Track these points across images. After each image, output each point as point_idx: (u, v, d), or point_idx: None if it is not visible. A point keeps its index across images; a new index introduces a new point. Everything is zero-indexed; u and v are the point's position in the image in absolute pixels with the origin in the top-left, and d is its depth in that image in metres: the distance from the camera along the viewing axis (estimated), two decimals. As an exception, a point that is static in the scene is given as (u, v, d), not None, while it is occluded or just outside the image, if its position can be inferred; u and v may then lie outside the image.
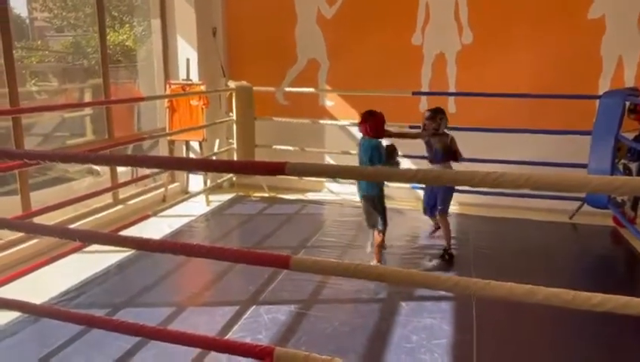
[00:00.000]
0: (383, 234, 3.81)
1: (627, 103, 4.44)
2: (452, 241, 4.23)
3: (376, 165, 3.56)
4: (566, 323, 3.06)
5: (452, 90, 5.49)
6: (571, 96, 4.85)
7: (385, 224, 3.80)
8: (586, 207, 4.83)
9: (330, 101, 5.92)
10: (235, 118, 5.54)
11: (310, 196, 5.87)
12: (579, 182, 1.27)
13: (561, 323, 3.05)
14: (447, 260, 4.02)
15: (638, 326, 2.92)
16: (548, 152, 4.88)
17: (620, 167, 4.60)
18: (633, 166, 4.53)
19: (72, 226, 4.29)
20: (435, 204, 4.15)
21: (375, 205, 3.74)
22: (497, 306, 3.17)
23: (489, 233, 4.71)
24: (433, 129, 4.03)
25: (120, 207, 5.03)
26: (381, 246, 3.82)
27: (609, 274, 4.03)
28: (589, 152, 4.63)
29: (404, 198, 5.73)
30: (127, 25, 6.54)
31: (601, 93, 4.81)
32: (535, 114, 5.10)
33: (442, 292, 3.34)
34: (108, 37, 5.28)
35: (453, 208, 5.39)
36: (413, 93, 5.40)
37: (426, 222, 4.80)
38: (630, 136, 4.51)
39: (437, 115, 4.02)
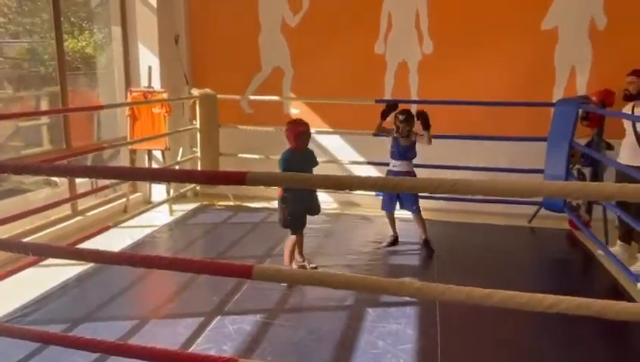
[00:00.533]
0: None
1: (580, 111, 4.63)
2: (413, 247, 4.35)
3: None
4: (526, 323, 3.15)
5: (414, 98, 5.59)
6: (527, 104, 5.02)
7: None
8: (544, 211, 4.99)
9: (295, 109, 5.93)
10: (198, 126, 5.47)
11: (275, 204, 5.83)
12: (532, 188, 1.31)
13: (521, 322, 3.14)
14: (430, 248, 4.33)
15: (592, 322, 3.03)
16: (507, 158, 5.04)
17: (575, 172, 4.78)
18: (586, 171, 4.71)
19: (28, 239, 4.13)
20: (398, 198, 4.38)
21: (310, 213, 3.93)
22: (460, 309, 3.21)
23: (450, 237, 4.80)
24: (407, 131, 4.25)
25: (79, 218, 4.88)
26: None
27: (566, 275, 4.17)
28: (545, 158, 4.80)
29: (369, 205, 5.78)
30: (86, 31, 6.37)
31: (555, 101, 5.01)
32: (494, 121, 5.25)
33: (407, 298, 3.39)
34: (66, 43, 5.14)
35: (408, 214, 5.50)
36: (377, 101, 5.46)
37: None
38: (583, 142, 4.70)
39: (411, 117, 4.25)
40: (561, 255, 4.49)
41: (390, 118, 4.41)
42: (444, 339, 2.95)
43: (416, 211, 4.39)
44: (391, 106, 4.41)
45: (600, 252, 4.19)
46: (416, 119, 4.23)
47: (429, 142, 4.26)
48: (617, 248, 4.18)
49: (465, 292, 1.42)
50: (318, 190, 5.03)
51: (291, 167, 3.71)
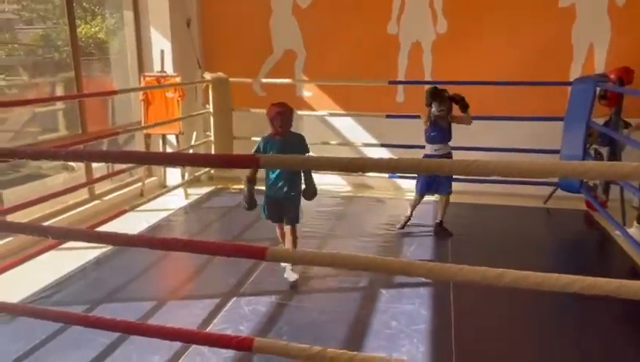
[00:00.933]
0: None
1: (598, 89, 4.54)
2: (427, 229, 4.43)
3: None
4: (541, 303, 3.14)
5: (428, 78, 5.53)
6: (544, 83, 4.93)
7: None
8: (560, 192, 4.94)
9: (308, 91, 5.91)
10: (211, 110, 5.49)
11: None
12: (546, 168, 1.30)
13: (535, 303, 3.14)
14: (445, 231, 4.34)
15: (609, 303, 3.02)
16: (523, 139, 4.97)
17: (592, 152, 4.71)
18: (604, 150, 4.64)
19: (47, 223, 4.22)
20: (434, 183, 4.30)
21: (297, 202, 3.56)
22: (474, 290, 3.23)
23: (465, 219, 4.78)
24: (445, 112, 4.15)
25: (96, 202, 4.96)
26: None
27: (582, 256, 4.14)
28: (562, 138, 4.73)
29: (382, 187, 5.79)
30: (98, 17, 6.39)
31: (572, 79, 4.91)
32: (510, 101, 5.17)
33: (421, 279, 3.41)
34: (79, 29, 5.16)
35: (429, 197, 5.48)
36: (390, 82, 5.43)
37: (405, 210, 4.88)
38: (601, 121, 4.61)
39: (446, 97, 4.13)
40: (577, 236, 4.46)
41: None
42: (457, 320, 2.97)
43: (448, 192, 4.34)
44: (434, 93, 4.16)
45: (617, 233, 4.14)
46: (454, 103, 4.14)
47: (470, 122, 4.22)
48: (634, 229, 4.13)
49: (478, 272, 1.43)
50: (321, 172, 5.03)
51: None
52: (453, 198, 5.25)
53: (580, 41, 5.13)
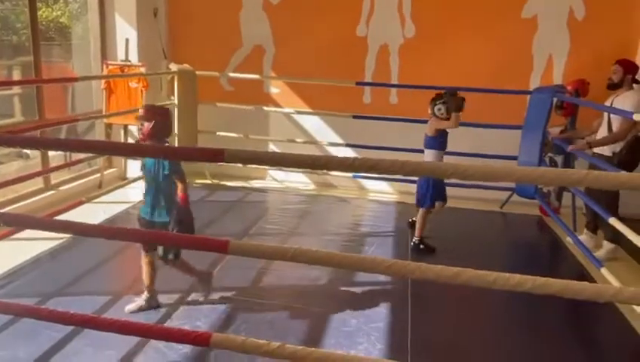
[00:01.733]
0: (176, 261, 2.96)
1: (555, 100, 4.72)
2: (388, 230, 4.43)
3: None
4: (494, 304, 3.25)
5: (395, 81, 5.62)
6: (504, 91, 5.09)
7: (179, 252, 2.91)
8: (516, 197, 5.12)
9: (276, 88, 5.89)
10: (176, 102, 5.40)
11: (253, 183, 5.84)
12: (501, 172, 1.35)
13: (489, 303, 3.25)
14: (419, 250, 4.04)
15: (557, 305, 3.15)
16: (483, 145, 5.11)
17: (547, 160, 4.90)
18: (558, 159, 4.83)
19: (-2, 212, 4.05)
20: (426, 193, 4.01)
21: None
22: (431, 291, 3.31)
23: (426, 221, 4.87)
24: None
25: (52, 192, 4.79)
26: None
27: (534, 259, 4.31)
28: (520, 145, 4.90)
29: (346, 187, 5.84)
30: (61, 0, 6.17)
31: (532, 89, 5.09)
32: (473, 108, 5.28)
33: (381, 278, 3.47)
34: (40, 12, 4.97)
35: (392, 197, 5.57)
36: (357, 84, 5.48)
37: (368, 210, 4.97)
38: (557, 130, 4.80)
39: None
40: (530, 240, 4.63)
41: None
42: (414, 318, 3.03)
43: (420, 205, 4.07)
44: (456, 97, 3.99)
45: (568, 239, 4.33)
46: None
47: (456, 125, 3.91)
48: (584, 236, 4.32)
49: (435, 270, 1.47)
50: (286, 170, 4.99)
51: (144, 167, 2.95)
52: (411, 200, 5.31)
53: (540, 52, 5.32)
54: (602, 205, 3.67)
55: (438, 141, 4.02)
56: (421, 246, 4.06)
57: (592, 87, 4.72)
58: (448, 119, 3.93)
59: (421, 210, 4.08)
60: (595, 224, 4.27)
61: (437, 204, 4.06)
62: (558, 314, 3.19)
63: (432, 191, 4.00)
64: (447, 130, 4.00)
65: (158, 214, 2.85)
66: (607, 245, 4.05)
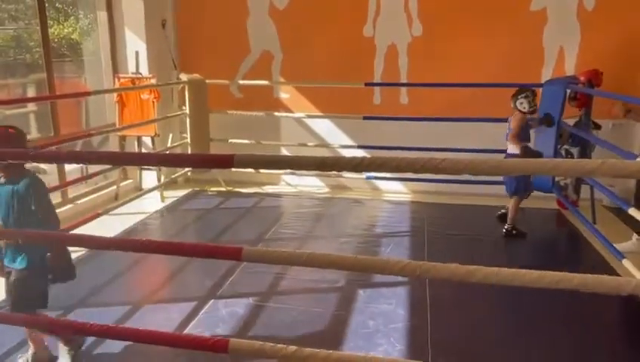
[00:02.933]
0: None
1: (568, 91, 4.65)
2: (404, 230, 4.43)
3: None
4: (514, 302, 3.20)
5: (404, 80, 5.59)
6: (516, 85, 5.01)
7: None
8: (534, 192, 5.03)
9: (285, 93, 5.91)
10: (188, 111, 5.44)
11: (267, 189, 5.86)
12: (515, 166, 1.33)
13: (509, 302, 3.20)
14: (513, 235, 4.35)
15: (575, 297, 3.10)
16: (496, 140, 5.04)
17: (563, 152, 4.83)
18: (574, 150, 4.75)
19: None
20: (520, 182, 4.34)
21: (28, 281, 2.30)
22: (450, 290, 3.28)
23: (442, 219, 4.84)
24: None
25: (69, 206, 4.87)
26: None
27: (554, 253, 4.24)
28: (534, 139, 4.83)
29: (360, 189, 5.82)
30: (72, 17, 6.28)
31: (544, 81, 5.02)
32: (484, 103, 5.26)
33: (398, 279, 3.45)
34: (52, 30, 5.06)
35: (407, 197, 5.55)
36: (366, 84, 5.47)
37: (382, 210, 4.93)
38: (571, 122, 4.73)
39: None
40: (549, 234, 4.56)
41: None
42: (433, 319, 3.00)
43: (513, 193, 4.40)
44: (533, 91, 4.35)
45: (588, 230, 4.25)
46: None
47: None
48: (633, 242, 3.97)
49: (450, 269, 1.45)
50: (300, 174, 4.99)
51: None
52: (426, 198, 5.36)
53: (551, 44, 5.26)
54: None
55: (522, 134, 4.26)
56: (513, 231, 4.32)
57: (606, 76, 4.64)
58: (532, 112, 4.28)
59: (515, 198, 4.34)
60: None
61: (528, 192, 4.43)
62: (579, 310, 3.13)
63: (526, 179, 4.32)
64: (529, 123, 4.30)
65: (18, 260, 2.29)
66: (634, 237, 3.91)
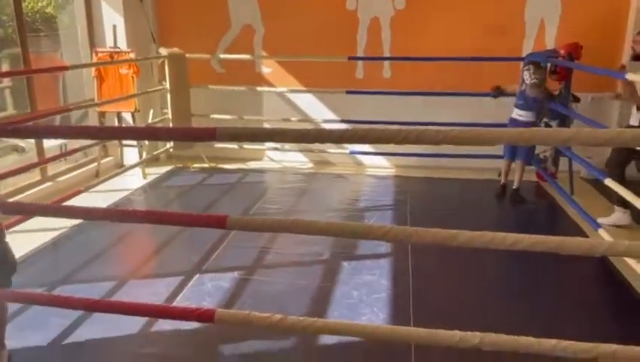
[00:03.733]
0: None
1: (548, 65, 4.70)
2: (387, 203, 4.47)
3: None
4: (494, 269, 3.30)
5: (387, 54, 5.58)
6: (497, 59, 5.06)
7: None
8: (513, 165, 5.12)
9: (267, 68, 5.85)
10: (168, 86, 5.36)
11: (251, 165, 5.85)
12: (492, 135, 1.36)
13: (489, 270, 3.30)
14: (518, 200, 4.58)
15: (557, 264, 3.21)
16: (478, 113, 5.10)
17: (542, 125, 4.89)
18: (554, 124, 4.82)
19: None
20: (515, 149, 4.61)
21: None
22: (432, 260, 3.36)
23: (424, 192, 4.91)
24: (535, 80, 4.49)
25: (49, 184, 4.80)
26: None
27: (533, 224, 4.35)
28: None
29: (344, 164, 5.85)
30: (45, -10, 6.09)
31: (524, 55, 5.06)
32: (466, 76, 5.29)
33: (382, 250, 3.52)
34: (25, 4, 4.90)
35: (389, 171, 5.61)
36: (349, 58, 5.44)
37: (366, 185, 4.98)
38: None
39: (540, 68, 4.50)
40: (528, 206, 4.65)
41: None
42: (416, 288, 3.08)
43: (523, 159, 4.59)
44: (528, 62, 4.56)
45: (565, 201, 4.36)
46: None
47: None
48: (615, 215, 3.99)
49: (432, 233, 1.50)
50: (283, 150, 5.00)
51: None
52: (409, 173, 5.42)
53: (532, 17, 5.28)
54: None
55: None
56: (519, 192, 4.59)
57: (585, 50, 4.68)
58: (537, 85, 4.48)
59: (524, 165, 4.60)
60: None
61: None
62: (555, 276, 3.24)
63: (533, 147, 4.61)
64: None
65: None
66: (617, 209, 3.95)
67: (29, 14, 5.42)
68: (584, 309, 2.95)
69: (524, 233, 1.41)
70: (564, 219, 4.26)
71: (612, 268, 3.32)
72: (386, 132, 1.44)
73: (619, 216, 3.97)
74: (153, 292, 3.03)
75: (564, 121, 4.72)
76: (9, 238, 3.28)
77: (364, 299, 2.95)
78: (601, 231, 3.34)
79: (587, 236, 3.80)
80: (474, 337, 1.48)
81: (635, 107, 3.95)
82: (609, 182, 3.29)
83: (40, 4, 5.86)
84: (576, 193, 4.66)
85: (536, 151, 5.00)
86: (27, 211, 2.12)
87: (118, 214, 1.86)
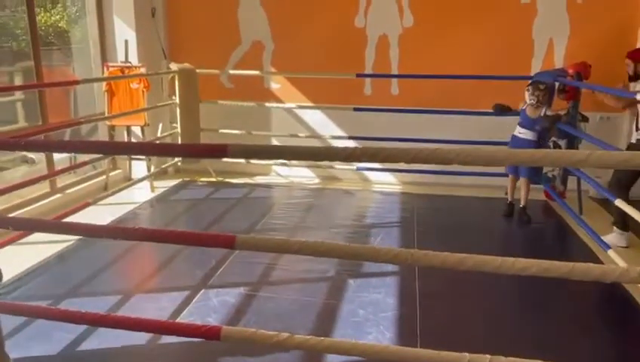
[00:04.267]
0: None
1: (557, 84, 4.70)
2: (394, 220, 4.45)
3: None
4: (501, 290, 3.26)
5: (395, 72, 5.60)
6: (506, 77, 5.07)
7: None
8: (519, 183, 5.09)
9: (276, 83, 5.90)
10: (178, 101, 5.41)
11: (258, 180, 5.86)
12: (503, 156, 1.36)
13: (496, 289, 3.25)
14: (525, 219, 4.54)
15: (562, 287, 3.16)
16: (488, 131, 5.10)
17: (551, 144, 4.87)
18: (562, 143, 4.80)
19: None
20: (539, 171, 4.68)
21: None
22: (439, 279, 3.32)
23: (431, 209, 4.89)
24: (535, 100, 4.47)
25: (58, 196, 4.83)
26: None
27: (542, 244, 4.30)
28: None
29: (351, 180, 5.85)
30: (59, 5, 6.19)
31: (533, 74, 5.07)
32: (474, 94, 5.30)
33: (388, 268, 3.48)
34: (39, 17, 4.99)
35: (396, 188, 5.60)
36: (357, 75, 5.47)
37: (373, 201, 4.96)
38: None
39: (540, 89, 4.47)
40: (537, 225, 4.61)
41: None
42: (423, 307, 3.04)
43: (529, 177, 4.56)
44: (530, 84, 4.57)
45: (575, 222, 4.31)
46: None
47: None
48: (613, 235, 3.98)
49: (440, 257, 1.48)
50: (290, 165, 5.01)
51: None
52: (416, 189, 5.40)
53: (541, 36, 5.30)
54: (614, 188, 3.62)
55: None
56: (526, 210, 4.57)
57: (594, 69, 4.69)
58: (537, 105, 4.47)
59: (529, 183, 4.57)
60: (626, 221, 3.89)
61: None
62: (567, 299, 3.19)
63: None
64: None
65: None
66: (615, 230, 3.97)
67: (43, 28, 5.50)
68: (596, 333, 2.90)
69: (532, 253, 1.40)
70: (573, 240, 4.21)
71: (624, 291, 3.27)
72: (395, 151, 1.44)
73: (617, 237, 3.95)
74: (158, 307, 3.02)
75: (573, 140, 4.71)
76: (14, 251, 3.29)
77: (370, 318, 2.92)
78: (611, 253, 3.30)
79: (597, 257, 3.75)
80: (483, 359, 1.46)
81: (635, 125, 3.96)
82: (620, 203, 3.26)
83: (53, 18, 5.96)
84: (585, 212, 4.62)
85: (544, 170, 4.97)
86: (27, 227, 2.12)
87: (123, 232, 1.86)
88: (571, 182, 4.87)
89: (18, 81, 5.25)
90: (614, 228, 3.99)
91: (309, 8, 5.58)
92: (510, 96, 5.05)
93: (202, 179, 5.78)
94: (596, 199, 5.04)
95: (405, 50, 5.54)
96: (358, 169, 5.71)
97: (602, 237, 3.70)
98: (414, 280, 3.36)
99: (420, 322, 2.88)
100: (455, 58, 5.36)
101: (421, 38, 5.45)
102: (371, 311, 2.98)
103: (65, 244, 3.83)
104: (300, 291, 3.28)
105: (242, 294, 3.18)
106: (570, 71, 4.70)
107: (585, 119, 4.88)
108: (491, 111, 4.95)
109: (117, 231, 1.93)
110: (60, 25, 6.02)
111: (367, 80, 5.67)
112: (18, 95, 5.20)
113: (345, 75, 5.46)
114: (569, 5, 5.18)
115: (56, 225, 2.24)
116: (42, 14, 5.54)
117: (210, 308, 3.01)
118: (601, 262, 3.61)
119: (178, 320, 2.87)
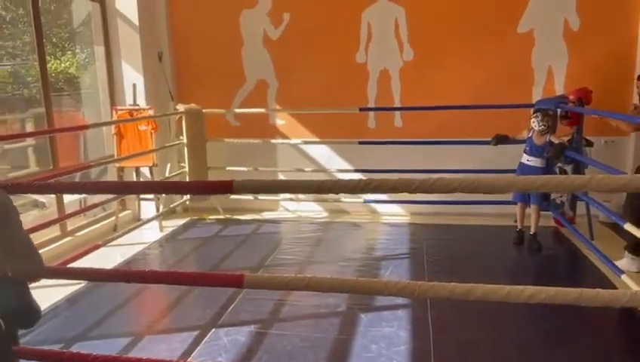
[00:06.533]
0: None
1: (559, 110, 4.74)
2: (404, 251, 4.41)
3: None
4: (514, 319, 3.20)
5: (397, 105, 5.68)
6: (507, 106, 5.12)
7: None
8: (529, 210, 5.07)
9: (281, 120, 5.99)
10: (185, 141, 5.50)
11: (266, 215, 5.88)
12: (506, 183, 1.37)
13: (509, 319, 3.20)
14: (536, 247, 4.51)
15: (579, 314, 3.11)
16: (490, 161, 5.12)
17: (557, 170, 4.88)
18: (568, 168, 4.81)
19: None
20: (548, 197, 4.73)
21: None
22: (451, 310, 3.28)
23: (441, 240, 4.86)
24: (541, 128, 4.51)
25: (68, 239, 4.87)
26: None
27: (553, 271, 4.24)
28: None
29: (358, 212, 5.85)
30: (69, 52, 6.40)
31: (535, 101, 5.12)
32: (477, 124, 5.35)
33: (400, 301, 3.44)
34: (49, 65, 5.15)
35: (404, 219, 5.58)
36: (361, 110, 5.56)
37: (381, 233, 4.95)
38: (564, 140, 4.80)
39: (545, 116, 4.51)
40: (548, 252, 4.56)
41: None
42: (436, 340, 2.99)
43: (539, 204, 4.58)
44: (536, 110, 4.60)
45: (586, 247, 4.27)
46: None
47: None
48: (624, 260, 3.93)
49: (448, 288, 1.48)
50: (298, 200, 5.03)
51: None
52: (424, 220, 5.38)
53: (540, 64, 5.38)
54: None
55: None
56: (537, 238, 4.53)
57: (595, 94, 4.73)
58: (545, 132, 4.51)
59: (539, 209, 4.57)
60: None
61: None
62: (580, 326, 3.13)
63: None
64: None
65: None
66: (627, 255, 3.91)
67: (53, 75, 5.67)
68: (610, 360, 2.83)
69: (545, 281, 1.39)
70: (586, 265, 4.16)
71: (639, 316, 3.20)
72: (399, 181, 1.46)
73: (629, 262, 3.89)
74: (169, 347, 3.00)
75: (579, 165, 4.71)
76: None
77: (384, 353, 2.87)
78: (625, 278, 3.25)
79: (611, 282, 3.69)
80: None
81: None
82: (629, 227, 3.23)
83: (63, 65, 6.15)
84: (596, 237, 4.57)
85: (553, 196, 4.96)
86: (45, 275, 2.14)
87: (135, 276, 1.87)
88: (581, 207, 4.85)
89: (30, 127, 5.38)
90: (626, 252, 3.94)
91: (311, 46, 5.73)
92: (512, 125, 5.11)
93: (210, 217, 5.81)
94: (606, 223, 4.99)
95: (407, 83, 5.63)
96: (366, 201, 5.73)
97: (616, 262, 3.65)
98: (427, 311, 3.32)
99: (434, 356, 2.83)
100: (456, 89, 5.44)
101: (422, 71, 5.55)
102: (384, 346, 2.94)
103: (75, 287, 3.84)
104: (311, 327, 3.25)
105: (253, 332, 3.16)
106: (572, 97, 4.74)
107: (590, 144, 4.90)
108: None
109: (128, 275, 1.94)
110: (69, 71, 6.20)
111: (371, 113, 5.76)
112: (29, 141, 5.32)
113: (348, 109, 5.55)
114: (565, 33, 5.28)
115: (65, 271, 2.25)
116: (52, 62, 5.72)
117: (221, 347, 2.98)
118: (615, 288, 3.54)
119: (189, 360, 2.85)
